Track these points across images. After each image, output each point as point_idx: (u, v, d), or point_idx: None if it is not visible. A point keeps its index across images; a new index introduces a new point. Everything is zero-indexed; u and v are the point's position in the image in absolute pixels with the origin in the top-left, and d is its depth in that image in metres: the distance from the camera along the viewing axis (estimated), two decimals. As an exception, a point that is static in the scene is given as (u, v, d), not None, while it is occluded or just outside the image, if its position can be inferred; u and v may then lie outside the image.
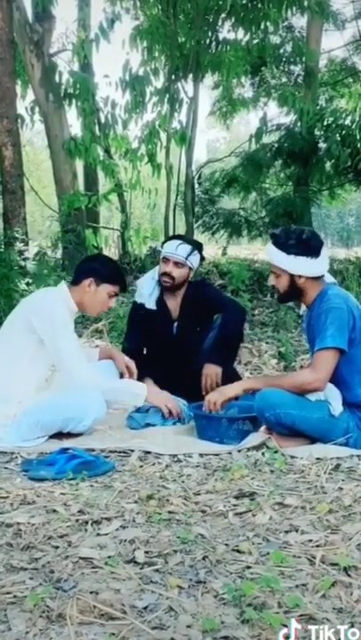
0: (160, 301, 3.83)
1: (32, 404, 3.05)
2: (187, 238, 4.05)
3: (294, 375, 3.06)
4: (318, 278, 3.02)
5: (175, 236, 4.11)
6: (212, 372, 3.56)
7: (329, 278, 3.09)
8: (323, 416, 2.88)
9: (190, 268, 3.79)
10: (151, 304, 3.81)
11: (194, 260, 3.79)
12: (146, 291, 3.82)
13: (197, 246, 3.85)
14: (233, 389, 3.07)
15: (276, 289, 3.12)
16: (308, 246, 2.95)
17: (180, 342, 3.78)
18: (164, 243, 3.99)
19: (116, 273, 3.35)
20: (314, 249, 2.96)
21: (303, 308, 3.18)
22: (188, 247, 3.76)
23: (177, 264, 3.73)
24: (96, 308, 3.32)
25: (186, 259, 3.73)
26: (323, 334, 2.85)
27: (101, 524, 2.12)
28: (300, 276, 2.98)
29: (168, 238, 4.08)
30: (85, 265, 3.34)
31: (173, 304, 3.85)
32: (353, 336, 2.89)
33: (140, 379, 3.61)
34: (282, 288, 3.06)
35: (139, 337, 3.85)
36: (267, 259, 3.12)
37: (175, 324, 3.84)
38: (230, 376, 3.54)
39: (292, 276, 3.00)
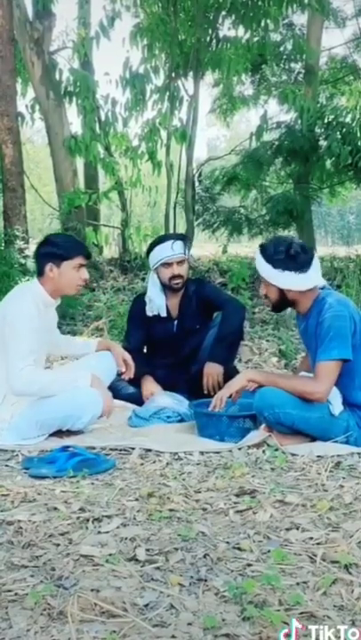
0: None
1: (27, 404, 3.04)
2: (173, 235, 3.99)
3: (298, 381, 2.99)
4: (311, 289, 2.98)
5: (157, 241, 3.86)
6: (213, 371, 3.55)
7: (321, 282, 3.06)
8: (323, 415, 2.88)
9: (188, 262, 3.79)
10: (163, 312, 3.80)
11: (188, 251, 3.79)
12: (158, 300, 3.79)
13: (185, 238, 3.85)
14: (238, 381, 3.04)
15: (267, 298, 3.10)
16: (296, 261, 2.90)
17: (179, 340, 3.78)
18: (148, 252, 3.85)
19: (69, 246, 3.18)
20: (302, 264, 2.91)
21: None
22: (180, 242, 3.73)
23: (179, 262, 3.72)
24: (70, 288, 3.19)
25: (185, 253, 3.72)
26: (327, 345, 2.83)
27: (102, 522, 2.12)
28: (288, 290, 2.97)
29: (151, 246, 3.85)
30: (38, 253, 3.21)
31: (173, 303, 3.84)
32: (354, 342, 2.88)
33: (140, 376, 3.62)
34: (273, 298, 3.04)
35: (140, 335, 3.85)
36: (257, 268, 3.08)
37: (175, 323, 3.84)
38: (231, 374, 3.53)
39: (281, 289, 2.98)
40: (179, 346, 3.77)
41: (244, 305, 4.16)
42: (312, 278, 2.95)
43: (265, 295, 3.09)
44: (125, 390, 3.66)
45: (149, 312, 3.81)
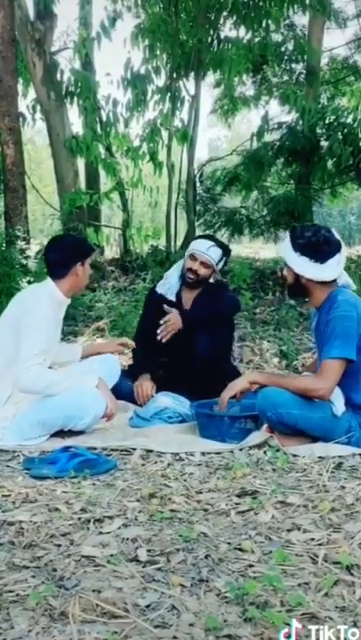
0: (177, 293, 3.88)
1: (30, 404, 3.04)
2: (219, 241, 4.01)
3: (301, 379, 3.03)
4: (326, 282, 2.99)
5: (208, 236, 4.09)
6: (174, 317, 3.66)
7: (345, 281, 3.07)
8: (325, 416, 2.88)
9: (215, 271, 3.82)
10: (172, 295, 3.86)
11: (221, 264, 3.85)
12: (172, 281, 3.88)
13: (228, 252, 3.89)
14: (240, 383, 3.04)
15: (284, 280, 3.13)
16: (315, 250, 2.92)
17: (185, 333, 3.76)
18: (194, 239, 4.01)
19: (87, 244, 3.47)
20: (320, 254, 2.92)
21: (312, 308, 3.18)
22: (219, 251, 3.79)
23: (204, 264, 3.75)
24: (86, 283, 3.40)
25: (216, 263, 3.78)
26: (331, 343, 2.85)
27: (103, 523, 2.12)
28: (302, 276, 2.97)
29: (200, 236, 4.09)
30: (65, 255, 3.26)
31: (188, 296, 3.88)
32: (359, 343, 2.88)
33: (139, 372, 3.66)
34: (288, 281, 3.07)
35: (149, 324, 3.83)
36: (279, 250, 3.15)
37: (185, 315, 3.83)
38: (231, 375, 3.52)
39: (296, 274, 2.99)
40: (184, 338, 3.75)
41: (239, 300, 4.23)
42: (328, 272, 2.95)
43: (282, 276, 3.14)
44: (126, 386, 3.68)
45: (159, 287, 3.91)
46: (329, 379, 2.82)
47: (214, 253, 3.76)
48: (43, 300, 3.13)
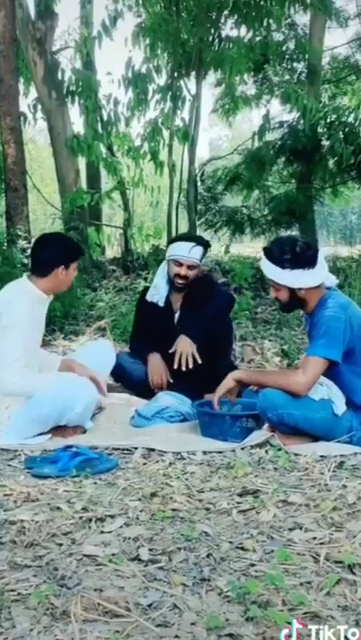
0: (166, 297, 3.87)
1: (21, 404, 3.03)
2: (195, 237, 4.00)
3: (280, 375, 3.10)
4: (318, 286, 2.98)
5: (183, 237, 4.06)
6: (185, 345, 3.58)
7: (331, 281, 3.06)
8: (326, 415, 2.87)
9: (199, 267, 3.82)
10: (161, 301, 3.84)
11: (203, 259, 3.84)
12: (162, 289, 3.84)
13: (207, 245, 3.86)
14: (225, 383, 3.07)
15: (278, 300, 3.11)
16: (304, 258, 2.90)
17: (180, 330, 3.76)
18: (170, 243, 3.97)
19: (75, 248, 3.28)
20: (309, 260, 2.91)
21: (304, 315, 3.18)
22: (200, 249, 3.76)
23: (190, 267, 3.74)
24: (67, 286, 3.32)
25: (200, 261, 3.77)
26: (315, 341, 2.85)
27: (105, 522, 2.12)
28: (299, 289, 2.96)
29: (175, 238, 4.04)
30: (48, 255, 3.18)
31: (177, 297, 3.87)
32: (352, 345, 2.88)
33: (147, 355, 3.71)
34: (283, 300, 3.03)
35: (144, 335, 3.86)
36: (264, 273, 3.09)
37: (177, 314, 3.86)
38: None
39: (291, 289, 2.97)
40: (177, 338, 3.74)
41: (233, 295, 4.19)
42: (320, 273, 2.95)
43: (276, 298, 3.09)
44: (138, 374, 3.69)
45: (149, 297, 3.87)
46: (307, 375, 2.82)
47: (197, 253, 3.73)
48: (21, 300, 3.06)
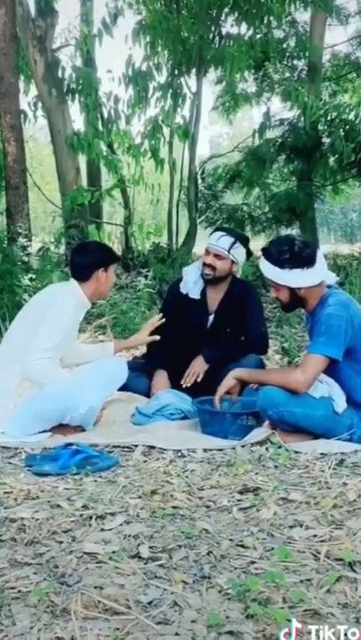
0: (202, 291, 3.78)
1: (29, 396, 3.05)
2: (232, 230, 3.94)
3: (279, 372, 3.12)
4: (319, 284, 2.98)
5: (221, 228, 4.01)
6: (198, 366, 3.58)
7: (331, 279, 3.06)
8: (326, 413, 2.87)
9: (233, 262, 3.69)
10: (195, 294, 3.76)
11: (237, 254, 3.69)
12: (191, 279, 3.78)
13: (241, 239, 3.74)
14: (225, 382, 3.08)
15: (279, 300, 3.10)
16: (302, 258, 2.89)
17: (211, 335, 3.72)
18: (211, 234, 3.91)
19: (112, 251, 3.53)
20: (308, 259, 2.90)
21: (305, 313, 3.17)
22: (230, 239, 3.66)
23: (217, 256, 3.65)
24: (108, 290, 3.52)
25: (228, 251, 3.64)
26: (316, 339, 2.85)
27: (105, 519, 2.12)
28: (299, 288, 2.96)
29: (214, 230, 3.99)
30: (88, 259, 3.35)
31: (214, 297, 3.78)
32: (352, 343, 2.88)
33: (155, 368, 3.69)
34: (284, 300, 3.03)
35: (169, 321, 3.68)
36: (263, 273, 3.08)
37: (211, 317, 3.77)
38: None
39: (291, 289, 2.96)
40: (208, 341, 3.69)
41: (267, 341, 3.86)
42: (320, 272, 2.94)
43: (277, 298, 3.09)
44: (136, 385, 3.65)
45: (183, 289, 3.80)
46: (307, 373, 2.82)
47: (224, 242, 3.64)
48: (70, 299, 3.22)
